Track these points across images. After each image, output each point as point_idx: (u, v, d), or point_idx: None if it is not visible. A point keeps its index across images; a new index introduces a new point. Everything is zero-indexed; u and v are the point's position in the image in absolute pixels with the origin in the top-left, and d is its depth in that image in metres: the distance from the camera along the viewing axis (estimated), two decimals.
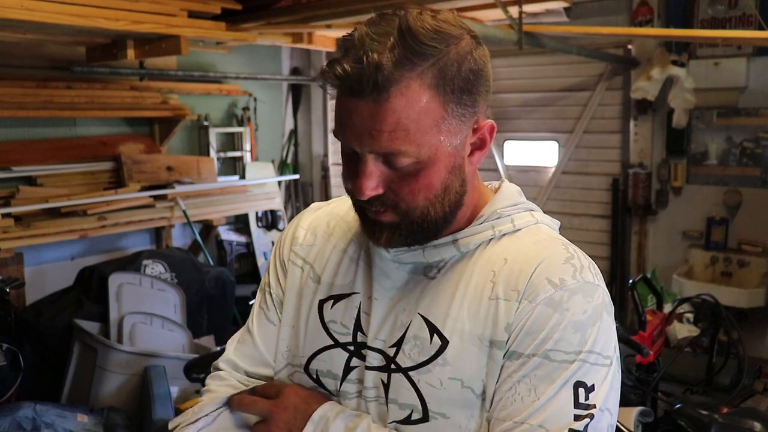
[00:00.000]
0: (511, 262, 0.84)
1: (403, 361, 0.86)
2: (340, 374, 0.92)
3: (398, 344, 0.87)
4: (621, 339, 2.21)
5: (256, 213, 5.22)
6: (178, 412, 2.88)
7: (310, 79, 5.74)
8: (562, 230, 1.01)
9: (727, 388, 3.01)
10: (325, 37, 4.58)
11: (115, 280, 3.31)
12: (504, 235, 0.88)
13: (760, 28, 3.43)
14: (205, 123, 4.93)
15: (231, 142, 5.23)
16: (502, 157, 4.88)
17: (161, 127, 4.60)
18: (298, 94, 5.82)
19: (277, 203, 5.25)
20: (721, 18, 3.85)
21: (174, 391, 2.94)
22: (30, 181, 3.91)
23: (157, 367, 2.93)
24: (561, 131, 4.63)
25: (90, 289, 3.37)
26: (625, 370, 2.43)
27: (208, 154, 4.95)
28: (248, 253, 5.21)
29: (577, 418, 0.78)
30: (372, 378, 0.89)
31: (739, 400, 3.06)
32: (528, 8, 3.61)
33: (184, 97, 4.75)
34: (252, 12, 3.89)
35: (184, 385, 2.94)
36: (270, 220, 5.30)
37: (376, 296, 0.90)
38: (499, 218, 0.88)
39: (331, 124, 5.86)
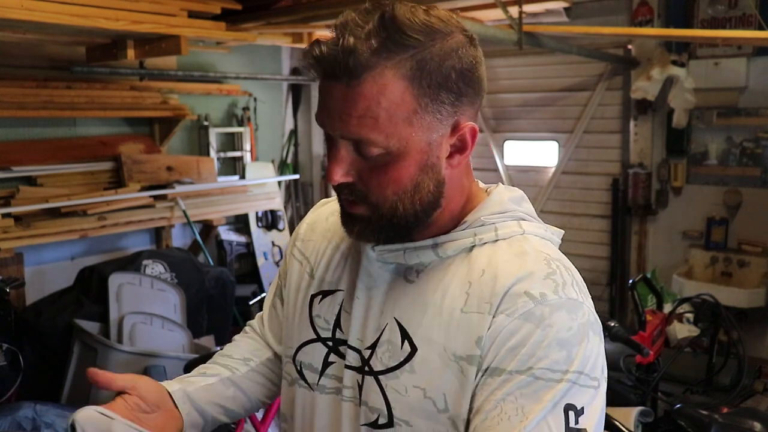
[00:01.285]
0: (489, 274, 0.81)
1: (375, 364, 0.86)
2: (320, 368, 0.93)
3: (373, 347, 0.86)
4: (621, 339, 2.21)
5: (256, 213, 5.22)
6: None
7: (310, 79, 5.74)
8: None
9: (727, 388, 3.01)
10: (325, 37, 4.58)
11: (115, 280, 3.31)
12: (485, 243, 0.84)
13: (760, 28, 3.43)
14: (205, 123, 4.93)
15: (231, 142, 5.23)
16: (502, 157, 4.88)
17: (161, 127, 4.60)
18: (298, 94, 5.82)
19: (277, 203, 5.25)
20: (721, 18, 3.86)
21: None
22: (30, 181, 3.91)
23: (157, 367, 2.94)
24: (561, 131, 4.63)
25: (90, 289, 3.37)
26: (625, 370, 2.43)
27: (208, 154, 4.95)
28: (248, 253, 5.21)
29: None
30: (350, 377, 0.89)
31: (739, 400, 3.06)
32: (528, 8, 3.60)
33: (184, 97, 4.75)
34: (252, 12, 3.89)
35: None
36: (270, 220, 5.30)
37: (358, 295, 0.90)
38: (482, 225, 0.85)
39: None
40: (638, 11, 4.12)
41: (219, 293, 3.87)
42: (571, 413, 0.75)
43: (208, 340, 3.66)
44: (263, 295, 3.85)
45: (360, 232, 0.85)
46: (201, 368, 1.09)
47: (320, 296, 0.96)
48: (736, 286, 3.76)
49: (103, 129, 4.34)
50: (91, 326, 3.20)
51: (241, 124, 5.21)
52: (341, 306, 0.92)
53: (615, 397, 2.02)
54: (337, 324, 0.92)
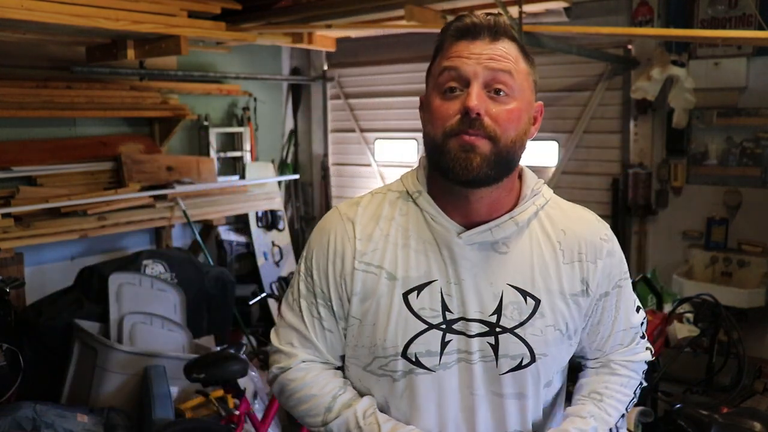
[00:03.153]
0: (569, 232, 1.12)
1: (507, 323, 1.07)
2: (438, 350, 1.07)
3: (498, 311, 1.07)
4: None
5: (256, 213, 5.22)
6: (178, 412, 2.88)
7: (310, 79, 5.74)
8: None
9: (727, 388, 3.00)
10: (325, 37, 4.58)
11: (115, 280, 3.30)
12: (543, 207, 1.12)
13: (760, 28, 3.43)
14: (205, 123, 4.93)
15: (231, 142, 5.23)
16: None
17: (161, 127, 4.60)
18: (298, 94, 5.82)
19: (277, 203, 5.25)
20: (721, 18, 3.85)
21: (174, 391, 2.93)
22: (30, 181, 3.91)
23: (157, 367, 2.93)
24: (561, 131, 4.63)
25: (90, 289, 3.37)
26: None
27: (208, 154, 4.95)
28: (248, 253, 5.21)
29: (637, 309, 1.23)
30: (477, 343, 1.07)
31: (739, 400, 3.05)
32: (528, 8, 3.61)
33: (184, 97, 4.75)
34: (252, 12, 3.89)
35: (184, 385, 2.94)
36: (270, 220, 5.30)
37: (463, 276, 1.07)
38: (535, 195, 1.11)
39: (331, 124, 5.86)
40: (638, 11, 4.11)
41: (219, 293, 3.87)
42: (633, 299, 1.23)
43: (208, 340, 3.65)
44: (263, 294, 3.84)
45: (479, 165, 1.01)
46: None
47: (415, 292, 1.07)
48: (736, 286, 3.76)
49: (103, 129, 4.34)
50: (91, 326, 3.20)
51: (241, 124, 5.21)
52: (441, 293, 1.07)
53: None
54: (445, 308, 1.07)
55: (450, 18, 3.25)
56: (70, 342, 3.12)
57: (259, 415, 2.69)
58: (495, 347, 1.07)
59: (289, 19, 3.91)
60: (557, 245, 1.10)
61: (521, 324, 1.07)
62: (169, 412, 2.75)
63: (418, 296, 1.07)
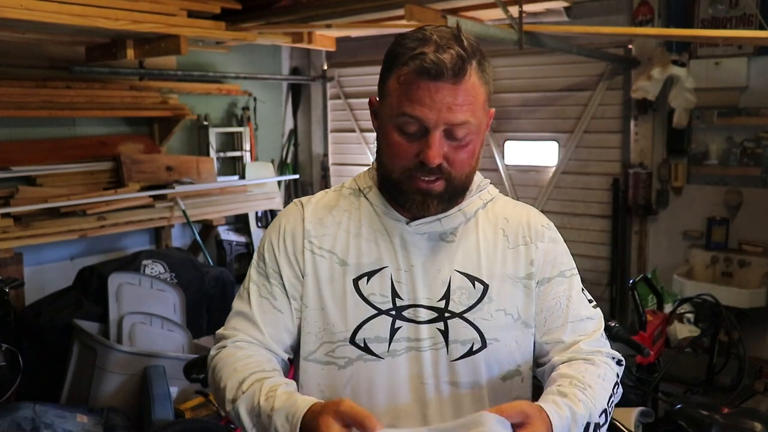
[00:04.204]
0: (512, 220, 1.16)
1: (456, 308, 1.08)
2: (388, 336, 1.07)
3: (446, 296, 1.08)
4: (621, 339, 2.21)
5: (256, 213, 5.22)
6: (177, 412, 2.88)
7: (310, 78, 5.74)
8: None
9: (728, 389, 3.00)
10: (325, 37, 4.58)
11: (114, 280, 3.30)
12: (488, 202, 1.16)
13: (761, 28, 3.43)
14: (205, 123, 4.93)
15: (231, 142, 5.23)
16: (502, 157, 4.87)
17: (161, 127, 4.60)
18: (297, 93, 5.82)
19: (276, 203, 5.24)
20: (721, 18, 3.85)
21: (173, 391, 2.93)
22: (29, 181, 3.91)
23: (157, 367, 2.93)
24: (561, 131, 4.62)
25: (89, 289, 3.37)
26: (626, 371, 2.43)
27: (207, 154, 4.95)
28: (248, 253, 5.20)
29: (593, 306, 1.18)
30: (427, 330, 1.08)
31: (740, 401, 3.05)
32: (528, 8, 3.60)
33: (184, 96, 4.75)
34: (252, 11, 3.89)
35: (184, 385, 2.94)
36: (270, 220, 5.29)
37: (413, 263, 1.09)
38: (481, 191, 1.16)
39: (331, 124, 5.85)
40: (639, 11, 4.11)
41: (219, 293, 3.87)
42: (584, 291, 1.19)
43: (207, 341, 3.65)
44: None
45: (436, 206, 1.07)
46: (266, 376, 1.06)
47: (365, 278, 1.09)
48: (736, 286, 3.75)
49: (103, 129, 4.34)
50: (91, 326, 3.19)
51: (240, 123, 5.21)
52: (392, 279, 1.09)
53: None
54: (395, 295, 1.08)
55: (450, 18, 3.24)
56: (70, 342, 3.12)
57: None
58: (445, 333, 1.08)
59: (289, 18, 3.90)
60: (501, 232, 1.14)
61: (470, 308, 1.08)
62: (169, 412, 2.75)
63: (368, 282, 1.09)
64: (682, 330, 3.19)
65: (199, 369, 2.49)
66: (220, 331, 1.16)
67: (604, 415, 1.04)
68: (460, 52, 0.99)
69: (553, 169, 4.68)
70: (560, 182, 4.65)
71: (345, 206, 1.16)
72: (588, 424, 1.00)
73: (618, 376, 1.13)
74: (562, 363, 1.10)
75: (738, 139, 3.94)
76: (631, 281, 2.95)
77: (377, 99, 1.10)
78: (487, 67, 1.05)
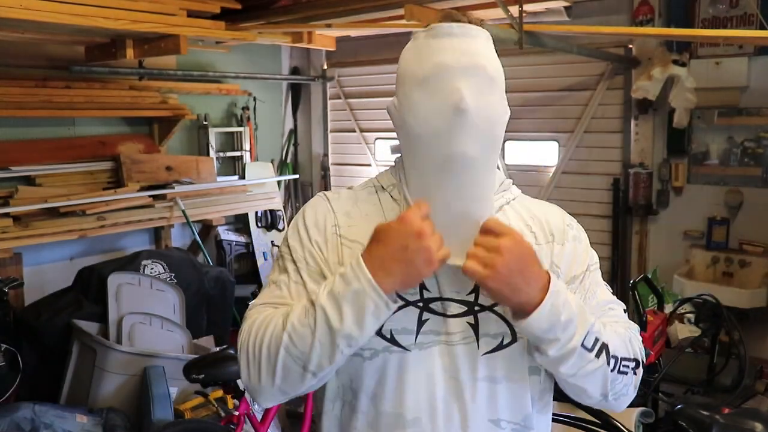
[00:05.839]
0: (537, 219, 1.16)
1: (485, 300, 1.07)
2: (415, 328, 1.06)
3: (475, 290, 1.07)
4: None
5: (256, 213, 5.22)
6: (177, 412, 2.88)
7: (310, 78, 5.73)
8: None
9: (729, 389, 3.00)
10: (325, 37, 4.57)
11: (114, 281, 3.30)
12: (511, 200, 1.17)
13: (762, 28, 3.42)
14: (205, 123, 4.92)
15: (230, 141, 5.23)
16: (502, 156, 4.87)
17: (160, 126, 4.59)
18: (297, 93, 5.81)
19: (276, 203, 5.24)
20: (722, 17, 3.84)
21: (173, 391, 2.93)
22: (29, 180, 3.91)
23: (157, 367, 2.93)
24: (561, 131, 4.62)
25: (89, 290, 3.36)
26: None
27: (207, 153, 4.94)
28: (248, 253, 5.20)
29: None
30: (457, 323, 1.07)
31: (741, 401, 3.05)
32: (528, 7, 3.60)
33: (184, 96, 4.74)
34: (251, 11, 3.88)
35: (184, 385, 2.94)
36: (269, 220, 5.29)
37: None
38: (505, 190, 1.17)
39: (331, 124, 5.85)
40: (639, 10, 4.10)
41: (218, 293, 3.86)
42: (605, 284, 1.20)
43: (207, 341, 3.65)
44: None
45: None
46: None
47: None
48: (737, 287, 3.74)
49: (102, 129, 4.33)
50: (90, 326, 3.19)
51: (240, 123, 5.21)
52: None
53: None
54: (422, 286, 1.06)
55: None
56: (69, 342, 3.11)
57: (259, 416, 2.68)
58: (475, 326, 1.07)
59: (289, 18, 3.90)
60: (529, 227, 1.14)
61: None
62: (169, 412, 2.75)
63: None
64: (683, 330, 3.19)
65: (198, 369, 2.49)
66: (247, 318, 1.09)
67: (607, 355, 1.05)
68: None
69: (554, 169, 4.67)
70: (560, 182, 4.65)
71: (371, 201, 1.15)
72: (596, 340, 1.03)
73: (640, 353, 1.13)
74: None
75: (738, 138, 3.94)
76: (631, 281, 2.95)
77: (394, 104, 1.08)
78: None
